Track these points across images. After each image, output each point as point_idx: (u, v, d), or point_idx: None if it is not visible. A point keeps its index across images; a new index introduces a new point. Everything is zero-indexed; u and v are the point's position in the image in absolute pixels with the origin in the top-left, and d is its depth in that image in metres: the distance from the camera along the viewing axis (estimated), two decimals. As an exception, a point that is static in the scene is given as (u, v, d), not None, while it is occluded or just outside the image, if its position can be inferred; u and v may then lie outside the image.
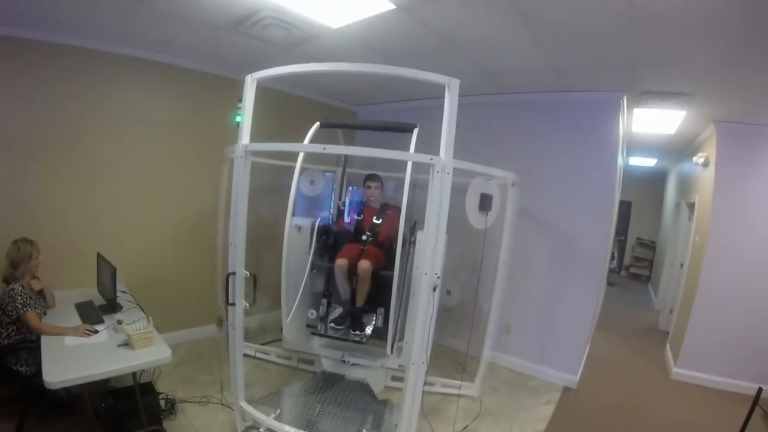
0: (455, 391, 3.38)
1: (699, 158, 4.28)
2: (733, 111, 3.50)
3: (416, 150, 2.51)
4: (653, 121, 3.83)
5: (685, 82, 2.97)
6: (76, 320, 2.67)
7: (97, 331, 2.55)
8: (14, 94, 2.90)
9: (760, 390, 2.61)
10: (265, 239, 3.78)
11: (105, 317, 2.79)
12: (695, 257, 4.37)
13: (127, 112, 3.39)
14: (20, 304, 2.42)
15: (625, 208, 8.75)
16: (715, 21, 2.02)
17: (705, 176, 4.32)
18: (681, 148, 5.54)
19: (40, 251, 2.66)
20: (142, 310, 3.00)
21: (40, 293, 2.73)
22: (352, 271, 3.14)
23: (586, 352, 4.00)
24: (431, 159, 2.06)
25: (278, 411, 2.75)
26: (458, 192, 2.18)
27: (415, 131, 2.68)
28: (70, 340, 2.41)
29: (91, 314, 2.80)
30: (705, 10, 1.93)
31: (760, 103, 3.16)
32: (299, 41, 2.88)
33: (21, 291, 2.46)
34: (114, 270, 2.86)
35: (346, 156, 3.86)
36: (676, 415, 3.45)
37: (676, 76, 2.88)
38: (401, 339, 3.07)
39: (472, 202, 2.41)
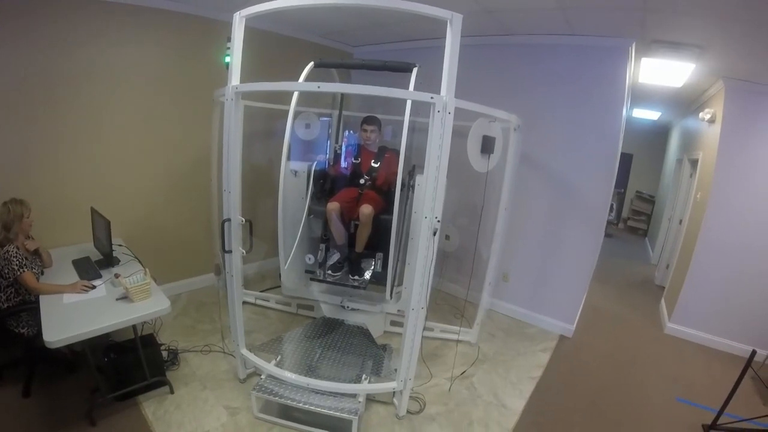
0: (453, 337, 3.46)
1: (705, 114, 4.15)
2: (744, 68, 3.35)
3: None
4: (661, 72, 3.68)
5: (697, 32, 2.82)
6: (73, 277, 2.66)
7: (94, 287, 2.55)
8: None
9: (753, 352, 2.62)
10: (260, 185, 3.73)
11: (102, 272, 2.78)
12: (695, 214, 4.34)
13: (112, 60, 3.21)
14: (16, 265, 2.38)
15: (625, 161, 8.64)
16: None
17: (710, 133, 4.20)
18: (687, 103, 5.39)
19: (31, 210, 2.58)
20: (140, 262, 2.99)
21: (36, 253, 2.68)
22: (347, 216, 3.10)
23: (583, 302, 4.05)
24: (432, 98, 1.97)
25: (279, 357, 2.79)
26: (458, 136, 2.10)
27: (415, 70, 2.55)
28: (68, 298, 2.40)
29: (88, 270, 2.78)
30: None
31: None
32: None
33: (16, 252, 2.41)
34: (108, 223, 2.82)
35: (342, 97, 3.73)
36: (668, 370, 3.53)
37: (689, 25, 2.72)
38: (400, 284, 3.09)
39: (474, 144, 2.34)
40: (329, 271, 3.16)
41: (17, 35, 2.75)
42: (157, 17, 3.35)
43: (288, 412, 2.49)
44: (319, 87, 2.04)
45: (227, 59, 2.64)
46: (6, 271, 2.38)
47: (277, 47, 4.16)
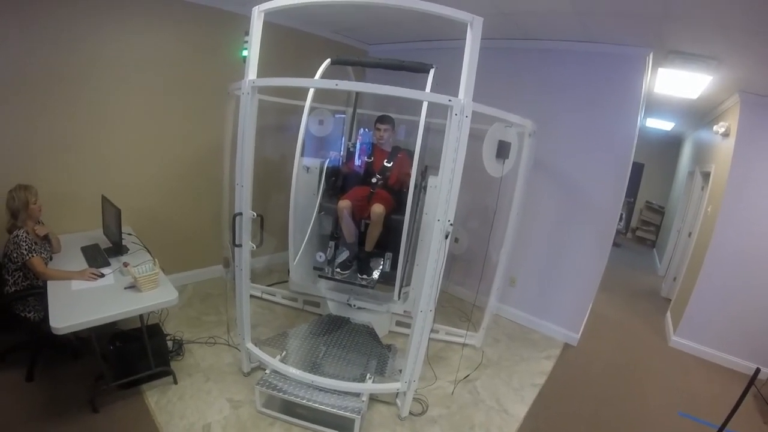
0: (459, 340, 3.45)
1: (720, 127, 4.10)
2: (761, 83, 3.30)
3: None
4: (677, 83, 3.65)
5: (715, 44, 2.78)
6: (82, 264, 2.67)
7: (103, 275, 2.55)
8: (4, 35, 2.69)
9: (757, 370, 2.59)
10: (272, 180, 3.73)
11: (111, 260, 2.79)
12: (705, 228, 4.29)
13: (127, 50, 3.21)
14: (25, 250, 2.39)
15: (637, 170, 8.59)
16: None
17: (724, 146, 4.16)
18: (701, 115, 5.34)
19: (37, 195, 2.57)
20: (148, 251, 3.00)
21: (45, 238, 2.69)
22: (358, 214, 3.10)
23: (588, 311, 4.02)
24: (450, 100, 1.96)
25: (284, 353, 2.79)
26: (471, 138, 2.08)
27: (432, 71, 2.54)
28: (76, 285, 2.41)
29: (97, 257, 2.79)
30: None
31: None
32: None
33: (26, 237, 2.42)
34: (119, 212, 2.83)
35: (357, 96, 3.72)
36: (671, 383, 3.49)
37: (707, 36, 2.69)
38: (408, 284, 3.09)
39: (489, 148, 2.33)
40: (338, 269, 3.16)
41: (25, 25, 2.74)
42: (170, 7, 3.34)
43: (290, 408, 2.49)
44: (337, 85, 2.04)
45: (244, 53, 2.65)
46: (15, 255, 2.40)
47: (292, 42, 4.16)
